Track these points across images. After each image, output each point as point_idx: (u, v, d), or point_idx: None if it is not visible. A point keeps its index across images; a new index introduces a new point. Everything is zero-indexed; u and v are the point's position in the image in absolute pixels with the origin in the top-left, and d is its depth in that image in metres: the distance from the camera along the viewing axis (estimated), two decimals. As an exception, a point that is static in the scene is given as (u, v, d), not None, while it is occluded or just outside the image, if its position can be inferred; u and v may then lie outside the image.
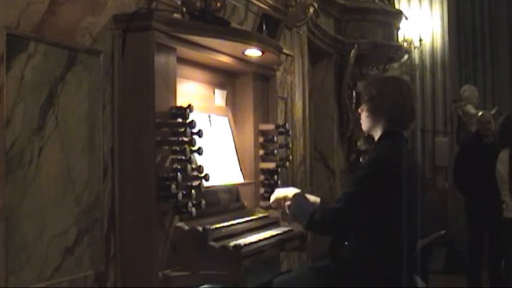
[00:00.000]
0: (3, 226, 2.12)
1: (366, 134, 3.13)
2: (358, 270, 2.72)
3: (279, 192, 3.14)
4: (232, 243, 2.78)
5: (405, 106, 2.90)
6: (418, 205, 2.89)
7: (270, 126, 3.60)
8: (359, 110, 3.02)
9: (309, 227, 2.91)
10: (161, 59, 2.68)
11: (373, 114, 2.91)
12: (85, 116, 2.54)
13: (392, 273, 2.75)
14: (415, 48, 7.92)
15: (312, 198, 3.10)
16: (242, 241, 2.90)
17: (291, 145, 3.78)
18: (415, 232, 2.89)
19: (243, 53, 3.23)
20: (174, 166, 2.68)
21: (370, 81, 3.10)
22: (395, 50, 6.37)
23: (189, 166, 2.69)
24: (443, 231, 5.76)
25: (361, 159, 6.02)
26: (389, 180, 2.74)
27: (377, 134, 2.94)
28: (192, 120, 2.71)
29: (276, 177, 3.59)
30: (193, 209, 2.71)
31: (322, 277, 2.79)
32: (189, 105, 2.73)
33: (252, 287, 3.10)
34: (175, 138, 2.69)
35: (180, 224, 2.74)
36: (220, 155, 3.26)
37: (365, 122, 2.97)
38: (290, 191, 3.10)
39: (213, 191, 3.10)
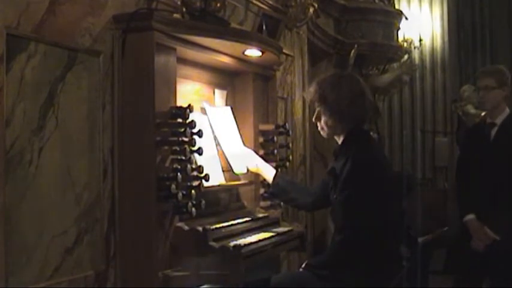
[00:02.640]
0: (3, 226, 2.12)
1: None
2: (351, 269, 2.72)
3: (254, 164, 3.28)
4: (232, 243, 2.77)
5: (365, 101, 2.86)
6: (400, 191, 2.92)
7: (270, 126, 3.60)
8: (314, 119, 2.93)
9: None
10: (161, 59, 2.68)
11: (335, 118, 2.83)
12: (85, 116, 2.54)
13: (386, 267, 2.75)
14: (415, 48, 7.92)
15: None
16: (242, 241, 2.90)
17: (291, 145, 3.78)
18: (402, 219, 2.91)
19: (243, 53, 3.23)
20: (174, 166, 2.68)
21: (320, 84, 2.92)
22: (395, 50, 6.37)
23: (189, 166, 2.69)
24: (445, 228, 5.77)
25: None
26: (379, 180, 2.76)
27: (341, 136, 2.88)
28: (192, 120, 2.71)
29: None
30: (193, 209, 2.71)
31: (317, 276, 2.78)
32: (189, 105, 2.73)
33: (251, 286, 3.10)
34: (175, 138, 2.69)
35: (180, 224, 2.74)
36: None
37: (327, 128, 2.88)
38: (265, 169, 3.27)
39: (213, 191, 3.10)
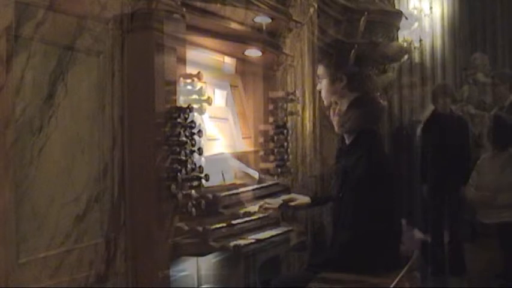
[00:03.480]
0: (2, 227, 2.12)
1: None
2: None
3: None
4: (232, 243, 2.78)
5: (380, 101, 2.87)
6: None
7: (270, 127, 3.60)
8: (336, 107, 2.89)
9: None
10: (161, 59, 2.68)
11: (350, 114, 2.82)
12: (85, 116, 2.54)
13: (387, 266, 2.76)
14: (415, 48, 7.92)
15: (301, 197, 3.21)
16: (242, 241, 2.90)
17: (291, 145, 3.78)
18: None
19: (243, 53, 3.24)
20: (174, 166, 2.68)
21: (346, 74, 2.91)
22: (395, 50, 6.36)
23: (189, 166, 2.69)
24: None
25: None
26: (391, 180, 2.77)
27: (351, 135, 2.87)
28: (192, 120, 2.72)
29: (275, 177, 3.59)
30: (193, 209, 2.71)
31: (318, 276, 2.79)
32: (189, 105, 2.73)
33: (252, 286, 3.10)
34: (175, 138, 2.69)
35: (180, 224, 2.74)
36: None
37: (352, 121, 2.86)
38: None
39: (213, 191, 3.10)
